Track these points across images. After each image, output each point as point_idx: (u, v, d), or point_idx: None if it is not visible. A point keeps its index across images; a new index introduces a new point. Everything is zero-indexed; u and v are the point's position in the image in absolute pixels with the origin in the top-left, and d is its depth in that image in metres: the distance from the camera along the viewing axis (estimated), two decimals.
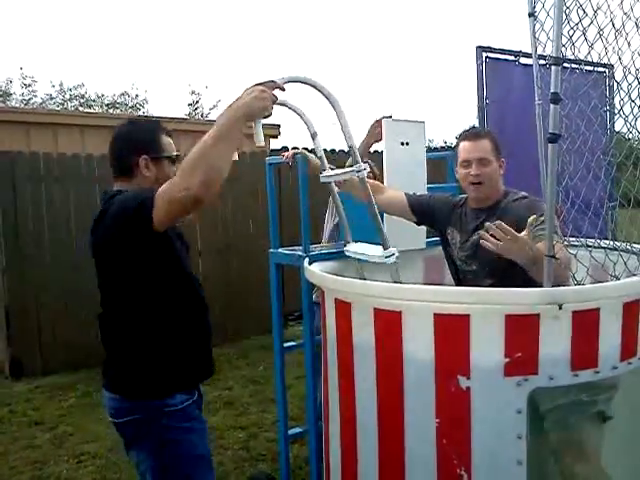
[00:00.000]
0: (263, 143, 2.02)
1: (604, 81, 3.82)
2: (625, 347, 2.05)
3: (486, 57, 3.54)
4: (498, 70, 3.60)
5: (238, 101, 1.87)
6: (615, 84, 2.63)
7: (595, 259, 2.35)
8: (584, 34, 1.93)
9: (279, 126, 8.98)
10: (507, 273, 2.26)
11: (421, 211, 2.76)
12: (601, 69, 3.82)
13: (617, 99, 2.45)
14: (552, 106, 1.84)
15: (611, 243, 2.61)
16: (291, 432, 3.16)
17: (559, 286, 1.97)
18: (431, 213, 2.75)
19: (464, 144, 2.60)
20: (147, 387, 1.97)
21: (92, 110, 20.20)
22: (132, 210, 1.81)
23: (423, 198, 2.82)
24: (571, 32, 2.02)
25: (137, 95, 21.39)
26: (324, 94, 2.27)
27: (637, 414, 2.19)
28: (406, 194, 2.80)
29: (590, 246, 2.59)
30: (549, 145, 1.87)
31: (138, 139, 2.07)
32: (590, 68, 3.06)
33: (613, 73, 3.72)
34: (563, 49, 2.24)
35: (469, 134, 2.64)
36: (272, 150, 7.36)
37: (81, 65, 35.11)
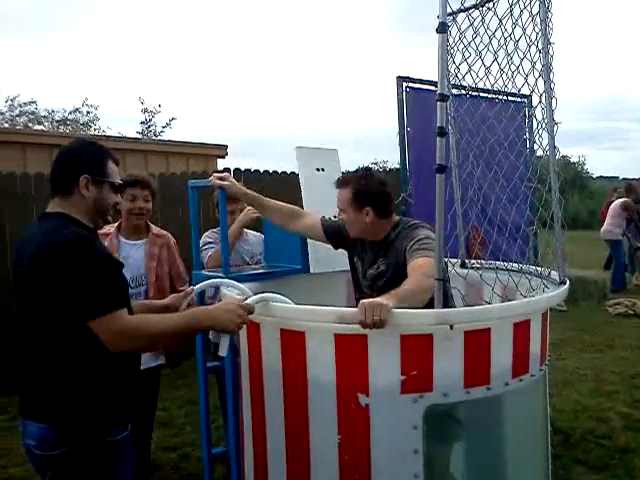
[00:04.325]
0: (224, 354, 2.18)
1: (523, 111, 4.01)
2: (516, 365, 2.17)
3: (406, 87, 3.68)
4: (418, 100, 3.74)
5: (213, 311, 2.05)
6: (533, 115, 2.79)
7: (500, 280, 2.50)
8: (470, 71, 2.06)
9: (226, 147, 9.06)
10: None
11: (335, 237, 2.83)
12: (520, 99, 4.00)
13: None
14: (438, 139, 1.97)
15: (516, 266, 2.75)
16: (214, 451, 3.18)
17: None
18: (344, 239, 2.81)
19: None
20: (87, 417, 1.91)
21: (42, 127, 19.86)
22: (77, 293, 1.83)
23: (338, 224, 2.86)
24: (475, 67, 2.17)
25: (89, 112, 21.06)
26: None
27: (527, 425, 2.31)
28: (322, 220, 2.87)
29: (499, 268, 2.73)
30: (437, 175, 2.00)
31: (83, 157, 2.03)
32: (508, 98, 3.21)
33: (531, 103, 3.92)
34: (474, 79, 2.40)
35: (336, 182, 2.68)
36: (216, 171, 7.41)
37: (36, 81, 34.51)
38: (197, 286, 2.51)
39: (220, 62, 38.89)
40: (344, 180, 2.64)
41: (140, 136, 18.02)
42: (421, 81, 3.75)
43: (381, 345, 2.04)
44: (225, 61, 39.62)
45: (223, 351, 2.15)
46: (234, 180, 2.89)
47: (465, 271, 2.64)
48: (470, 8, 2.49)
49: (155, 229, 3.51)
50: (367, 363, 2.05)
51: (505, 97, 2.92)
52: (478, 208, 2.68)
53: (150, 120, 19.66)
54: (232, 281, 2.61)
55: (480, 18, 2.44)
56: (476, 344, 2.08)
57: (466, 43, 2.27)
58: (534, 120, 2.41)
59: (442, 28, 1.96)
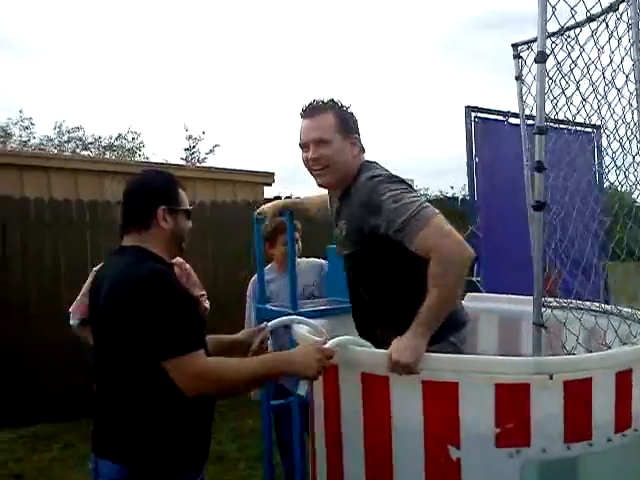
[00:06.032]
0: (304, 393, 2.09)
1: (592, 141, 3.86)
2: (619, 418, 2.00)
3: (475, 117, 3.58)
4: (487, 129, 3.64)
5: (291, 357, 1.98)
6: (602, 147, 2.65)
7: (583, 324, 2.33)
8: (567, 104, 1.95)
9: (273, 174, 9.04)
10: (382, 289, 2.16)
11: None
12: (588, 129, 3.85)
13: (604, 164, 2.48)
14: (536, 174, 1.85)
15: (601, 306, 2.59)
16: None
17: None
18: None
19: (302, 123, 2.22)
20: (162, 459, 1.84)
21: (89, 153, 20.34)
22: (152, 333, 1.77)
23: None
24: (555, 101, 2.05)
25: (134, 138, 21.50)
26: None
27: None
28: None
29: (580, 308, 2.56)
30: (534, 213, 1.87)
31: (156, 189, 1.98)
32: (577, 128, 3.08)
33: (600, 134, 3.77)
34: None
35: (306, 110, 2.21)
36: (266, 199, 7.35)
37: (82, 107, 35.56)
38: (270, 323, 2.41)
39: (270, 89, 39.27)
40: (320, 106, 2.18)
41: (184, 163, 18.25)
42: (489, 111, 3.65)
43: (474, 394, 1.90)
44: (276, 88, 39.90)
45: (303, 390, 2.05)
46: (278, 201, 2.96)
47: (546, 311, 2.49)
48: (555, 33, 2.37)
49: None
50: (458, 413, 1.91)
51: (583, 128, 2.79)
52: (560, 248, 2.52)
53: (194, 147, 19.92)
54: (304, 318, 2.51)
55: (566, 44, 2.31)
56: (576, 395, 1.92)
57: (556, 72, 2.13)
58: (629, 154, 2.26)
59: (541, 57, 1.85)
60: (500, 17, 39.24)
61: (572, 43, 2.30)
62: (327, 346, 2.00)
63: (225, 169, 8.91)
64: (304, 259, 3.68)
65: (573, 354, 2.03)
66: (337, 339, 2.07)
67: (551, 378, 1.86)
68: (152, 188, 1.98)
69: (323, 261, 3.55)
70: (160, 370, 1.78)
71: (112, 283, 1.85)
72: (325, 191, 2.55)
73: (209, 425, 2.02)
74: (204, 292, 3.78)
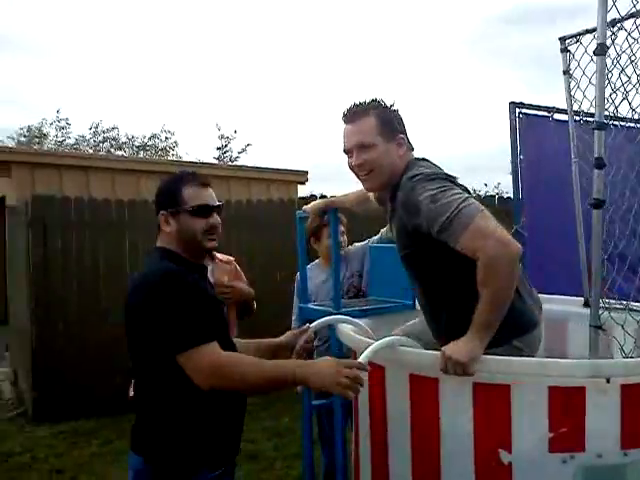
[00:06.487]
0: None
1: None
2: None
3: (519, 113, 3.51)
4: (532, 126, 3.56)
5: (309, 367, 1.86)
6: None
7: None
8: (626, 98, 1.88)
9: (306, 172, 9.04)
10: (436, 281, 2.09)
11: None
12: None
13: None
14: (596, 171, 1.79)
15: None
16: None
17: None
18: None
19: (344, 129, 2.18)
20: (177, 454, 1.88)
21: (123, 153, 20.61)
22: (167, 329, 1.83)
23: None
24: (614, 95, 1.97)
25: (167, 138, 21.71)
26: None
27: None
28: None
29: (637, 311, 2.47)
30: (593, 211, 1.81)
31: (159, 194, 2.07)
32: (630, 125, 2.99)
33: None
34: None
35: (347, 115, 2.15)
36: (300, 198, 7.33)
37: (117, 107, 36.05)
38: (313, 324, 2.38)
39: (302, 88, 38.94)
40: (360, 110, 2.12)
41: (217, 162, 18.37)
42: (534, 107, 3.58)
43: (526, 397, 1.85)
44: (308, 87, 39.54)
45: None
46: (318, 201, 2.92)
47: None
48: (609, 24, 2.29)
49: (219, 254, 3.36)
50: (510, 416, 1.86)
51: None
52: (616, 250, 2.43)
53: (226, 146, 20.03)
54: (348, 317, 2.48)
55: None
56: (634, 400, 1.85)
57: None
58: None
59: (601, 49, 1.78)
60: (517, 13, 38.46)
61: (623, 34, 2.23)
62: (361, 359, 1.90)
63: (258, 168, 8.96)
64: (349, 247, 3.64)
65: (631, 357, 1.96)
66: (370, 349, 1.97)
67: (608, 382, 1.80)
68: (157, 194, 2.08)
69: (364, 242, 3.53)
70: (175, 367, 1.82)
71: (134, 284, 1.99)
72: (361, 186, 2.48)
73: (235, 424, 2.03)
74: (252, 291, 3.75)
